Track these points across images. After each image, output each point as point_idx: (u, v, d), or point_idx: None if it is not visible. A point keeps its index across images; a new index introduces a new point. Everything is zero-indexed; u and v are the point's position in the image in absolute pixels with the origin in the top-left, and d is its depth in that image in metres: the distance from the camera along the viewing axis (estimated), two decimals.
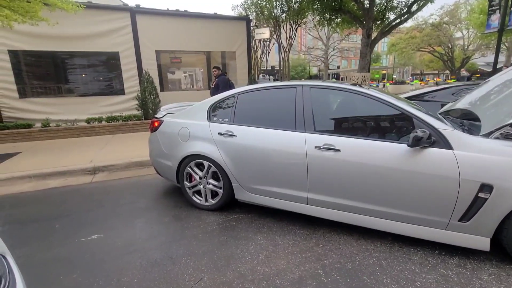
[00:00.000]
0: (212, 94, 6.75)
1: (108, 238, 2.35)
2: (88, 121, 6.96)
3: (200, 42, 8.55)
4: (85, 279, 1.85)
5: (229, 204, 2.77)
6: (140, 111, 7.51)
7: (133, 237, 2.34)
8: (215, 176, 2.72)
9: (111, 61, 7.59)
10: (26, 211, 2.94)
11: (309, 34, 24.72)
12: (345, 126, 2.38)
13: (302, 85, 2.39)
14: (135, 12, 7.47)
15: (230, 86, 7.06)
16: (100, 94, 7.51)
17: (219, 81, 6.79)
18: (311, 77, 33.41)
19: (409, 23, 23.01)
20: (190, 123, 2.79)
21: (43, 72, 7.18)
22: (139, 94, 7.40)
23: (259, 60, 13.59)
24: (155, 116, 3.18)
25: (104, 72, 7.76)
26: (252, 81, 8.71)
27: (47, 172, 3.99)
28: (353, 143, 2.10)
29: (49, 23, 4.99)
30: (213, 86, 6.78)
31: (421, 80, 30.23)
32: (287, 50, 12.86)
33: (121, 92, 7.64)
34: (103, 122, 7.01)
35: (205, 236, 2.32)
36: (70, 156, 4.82)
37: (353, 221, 2.19)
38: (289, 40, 12.66)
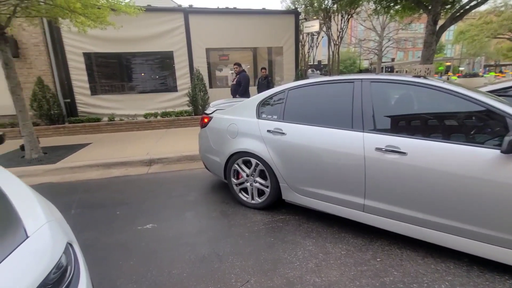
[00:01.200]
0: (233, 91, 6.76)
1: (161, 228, 2.47)
2: (145, 116, 7.57)
3: (247, 38, 8.60)
4: (140, 267, 1.96)
5: (276, 203, 2.68)
6: (191, 107, 7.89)
7: (183, 230, 2.42)
8: (262, 175, 2.66)
9: (166, 60, 8.11)
10: (94, 197, 3.28)
11: (361, 25, 23.04)
12: (412, 125, 2.08)
13: (361, 79, 2.16)
14: (188, 12, 7.82)
15: (268, 84, 6.95)
16: (156, 91, 8.10)
17: (241, 78, 6.72)
18: (361, 71, 31.31)
19: (484, 7, 19.83)
20: (239, 120, 2.77)
21: (110, 72, 8.01)
22: (190, 91, 7.78)
23: (306, 55, 13.14)
24: (205, 112, 3.24)
25: (159, 70, 8.34)
26: (299, 76, 8.45)
27: (112, 162, 4.42)
28: (423, 146, 1.82)
29: (115, 27, 5.49)
30: (234, 83, 6.72)
31: (499, 72, 25.91)
32: (337, 43, 12.17)
33: (174, 89, 8.12)
34: (158, 117, 7.55)
35: (251, 236, 2.28)
36: (130, 148, 5.28)
37: (420, 236, 1.90)
38: (339, 32, 11.95)
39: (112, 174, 4.15)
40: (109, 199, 3.18)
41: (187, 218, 2.64)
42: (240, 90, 6.53)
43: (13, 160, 4.68)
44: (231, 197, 3.02)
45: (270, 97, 2.66)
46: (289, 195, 2.50)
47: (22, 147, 4.85)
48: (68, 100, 7.51)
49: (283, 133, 2.40)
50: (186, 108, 7.97)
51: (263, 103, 2.69)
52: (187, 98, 7.92)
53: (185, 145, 5.27)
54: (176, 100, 8.08)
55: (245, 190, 2.83)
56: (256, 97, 2.79)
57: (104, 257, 2.10)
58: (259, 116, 2.66)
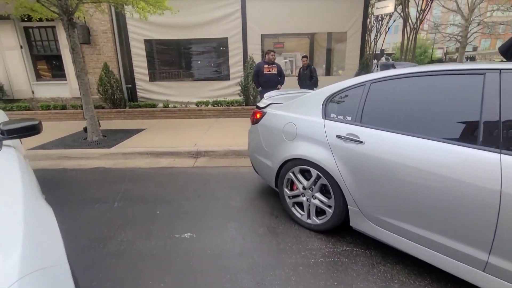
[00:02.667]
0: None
1: (200, 240, 2.13)
2: (197, 104, 7.52)
3: (306, 23, 7.79)
4: None
5: (339, 227, 2.11)
6: (242, 97, 7.58)
7: (224, 247, 2.04)
8: (324, 190, 2.10)
9: (220, 47, 7.88)
10: (138, 189, 3.15)
11: (443, 6, 19.56)
12: None
13: (499, 69, 1.40)
14: None
15: (311, 75, 6.11)
16: (209, 79, 7.98)
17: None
18: (432, 62, 27.05)
19: None
20: (299, 118, 2.23)
21: (167, 59, 8.15)
22: (242, 80, 7.43)
23: (372, 42, 11.62)
24: (257, 105, 2.78)
25: (213, 58, 8.18)
26: (364, 67, 7.36)
27: (160, 151, 4.33)
28: None
29: (172, 11, 5.36)
30: (275, 72, 5.90)
31: None
32: (415, 26, 10.37)
33: (227, 77, 7.89)
34: (209, 106, 7.43)
35: (306, 271, 1.77)
36: (180, 137, 5.18)
37: None
38: (419, 13, 10.13)
39: (159, 163, 4.05)
40: (152, 194, 3.00)
41: (229, 230, 2.26)
42: (281, 81, 5.91)
43: (76, 141, 4.97)
44: (281, 209, 2.54)
45: (343, 91, 2.05)
46: (360, 223, 1.90)
47: (85, 129, 5.13)
48: (130, 86, 7.88)
49: (360, 141, 1.79)
50: (237, 97, 7.69)
51: (332, 98, 2.09)
52: (239, 88, 7.62)
53: (233, 138, 4.95)
54: (227, 89, 7.85)
55: (299, 205, 2.32)
56: (322, 91, 2.20)
57: (134, 269, 1.84)
58: (326, 115, 2.08)
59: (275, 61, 6.20)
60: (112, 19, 7.37)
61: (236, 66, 7.74)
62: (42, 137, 5.35)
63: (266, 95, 2.91)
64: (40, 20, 5.36)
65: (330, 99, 2.10)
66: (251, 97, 7.34)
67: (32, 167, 3.85)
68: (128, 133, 5.53)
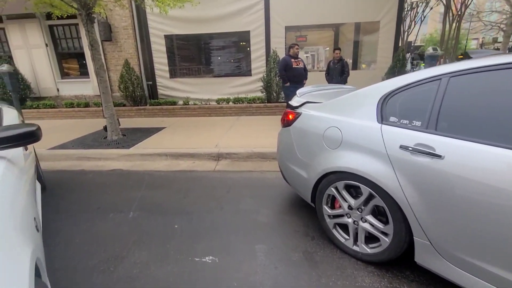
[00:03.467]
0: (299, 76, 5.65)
1: (223, 267, 1.80)
2: (218, 101, 7.23)
3: (334, 13, 7.18)
4: None
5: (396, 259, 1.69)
6: (264, 93, 7.19)
7: (252, 279, 1.69)
8: (378, 213, 1.68)
9: (241, 41, 7.51)
10: (156, 196, 2.88)
11: None
12: None
13: None
14: None
15: (343, 69, 5.55)
16: (229, 75, 7.65)
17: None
18: (465, 54, 24.75)
19: None
20: (345, 122, 1.81)
21: (187, 55, 7.92)
22: (265, 75, 7.03)
23: (405, 33, 10.68)
24: (290, 104, 2.38)
25: (234, 53, 7.83)
26: (399, 60, 6.63)
27: (180, 153, 4.07)
28: None
29: (193, 4, 5.06)
30: (302, 66, 5.56)
31: None
32: (460, 12, 9.33)
33: (248, 73, 7.51)
34: (230, 103, 7.11)
35: None
36: (200, 136, 4.91)
37: None
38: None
39: (179, 166, 3.78)
40: (170, 203, 2.72)
41: (257, 255, 1.90)
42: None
43: (96, 141, 4.85)
44: (318, 229, 2.15)
45: (407, 87, 1.59)
46: (429, 260, 1.47)
47: (105, 128, 5.00)
48: (150, 83, 7.75)
49: (437, 154, 1.35)
50: (259, 94, 7.31)
51: (392, 97, 1.65)
52: (261, 83, 7.23)
53: (256, 139, 4.58)
54: (249, 85, 7.49)
55: (343, 227, 1.92)
56: (377, 88, 1.76)
57: None
58: (383, 119, 1.64)
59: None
60: (132, 15, 7.23)
61: (258, 61, 7.34)
62: (65, 135, 5.31)
63: (298, 91, 2.50)
64: (61, 17, 5.29)
65: (388, 98, 1.65)
66: (274, 94, 6.93)
67: (52, 168, 3.72)
68: (147, 132, 5.34)
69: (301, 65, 5.69)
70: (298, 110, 2.21)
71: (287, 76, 5.63)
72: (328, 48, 10.24)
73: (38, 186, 2.51)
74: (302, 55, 10.38)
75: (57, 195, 2.97)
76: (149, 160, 4.06)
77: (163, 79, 7.67)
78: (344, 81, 5.59)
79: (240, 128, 5.46)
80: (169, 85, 7.70)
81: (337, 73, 5.52)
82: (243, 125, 5.73)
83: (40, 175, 2.89)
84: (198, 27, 7.23)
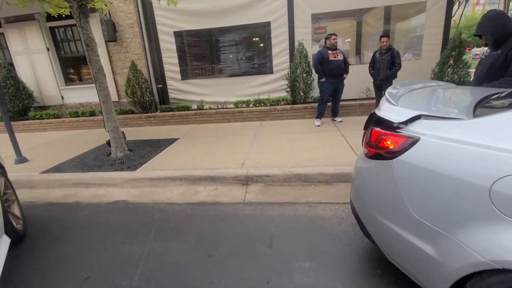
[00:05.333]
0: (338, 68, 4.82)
1: None
2: (236, 104, 6.35)
3: None
4: None
5: None
6: (289, 93, 6.24)
7: None
8: None
9: (260, 34, 6.58)
10: (169, 254, 2.03)
11: None
12: None
13: None
14: None
15: (393, 61, 4.51)
16: (247, 74, 6.73)
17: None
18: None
19: None
20: None
21: (200, 53, 7.08)
22: (289, 72, 6.08)
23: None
24: (383, 117, 1.41)
25: (252, 48, 6.92)
26: (455, 48, 5.37)
27: (198, 176, 3.21)
28: None
29: None
30: (340, 58, 4.85)
31: None
32: None
33: (269, 70, 6.56)
34: (251, 106, 6.22)
35: None
36: (220, 150, 4.03)
37: None
38: None
39: (197, 195, 2.92)
40: (190, 267, 1.86)
41: None
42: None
43: (98, 159, 4.08)
44: None
45: None
46: None
47: (109, 143, 4.23)
48: (160, 86, 6.97)
49: None
50: (283, 94, 6.37)
51: None
52: (285, 82, 6.28)
53: (290, 152, 3.66)
54: (270, 85, 6.54)
55: None
56: None
57: None
58: None
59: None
60: (138, 10, 6.45)
61: (281, 56, 6.38)
62: (65, 151, 4.59)
63: (389, 93, 1.56)
64: (61, 17, 4.56)
65: None
66: (301, 93, 5.96)
67: (42, 199, 2.92)
68: (158, 146, 4.53)
69: (340, 57, 4.76)
70: (410, 132, 1.27)
71: (323, 70, 4.80)
72: (349, 40, 9.16)
73: (4, 242, 1.74)
74: (316, 49, 9.37)
75: (36, 250, 2.17)
76: (160, 186, 3.23)
77: (174, 81, 6.86)
78: (394, 75, 4.56)
79: (267, 138, 4.55)
80: (181, 88, 6.88)
81: (385, 65, 4.49)
82: (270, 133, 4.82)
83: (11, 226, 2.09)
84: (210, 21, 6.35)
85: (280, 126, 5.30)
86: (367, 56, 7.30)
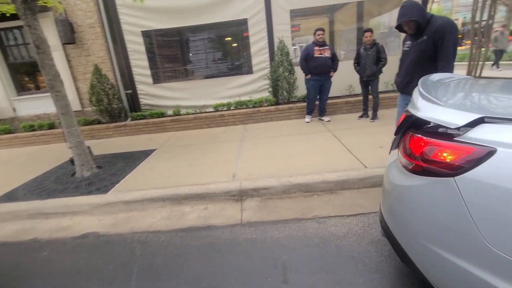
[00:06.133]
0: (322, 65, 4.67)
1: None
2: (216, 107, 5.92)
3: None
4: None
5: None
6: (270, 93, 5.95)
7: None
8: None
9: (237, 32, 6.21)
10: None
11: None
12: None
13: None
14: None
15: (378, 55, 4.42)
16: (225, 75, 6.33)
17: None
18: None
19: None
20: None
21: (172, 54, 6.54)
22: (271, 71, 5.78)
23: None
24: (445, 126, 1.12)
25: (229, 47, 6.55)
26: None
27: (184, 194, 2.78)
28: None
29: None
30: (327, 55, 4.70)
31: None
32: None
33: (249, 70, 6.22)
34: (232, 109, 5.83)
35: None
36: (205, 160, 3.61)
37: None
38: None
39: (185, 219, 2.50)
40: None
41: None
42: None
43: (61, 181, 3.46)
44: None
45: None
46: None
47: (72, 161, 3.62)
48: (130, 91, 6.32)
49: None
50: (265, 94, 6.06)
51: None
52: (266, 82, 5.99)
53: (284, 158, 3.34)
54: (251, 85, 6.20)
55: None
56: None
57: None
58: None
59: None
60: (99, 8, 5.77)
61: (260, 54, 6.06)
62: (17, 174, 3.88)
63: (425, 89, 1.29)
64: (4, 16, 3.86)
65: None
66: (285, 93, 5.69)
67: None
68: (132, 160, 3.99)
69: (326, 54, 4.56)
70: (476, 141, 0.98)
71: (308, 67, 4.60)
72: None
73: None
74: (290, 48, 9.22)
75: None
76: (139, 209, 2.75)
77: (145, 85, 6.26)
78: (379, 71, 4.43)
79: (255, 143, 4.20)
80: (153, 93, 6.29)
81: (371, 61, 4.34)
82: (257, 137, 4.47)
83: None
84: (182, 19, 5.86)
85: (266, 129, 4.97)
86: (340, 54, 7.23)
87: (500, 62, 10.52)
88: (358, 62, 4.60)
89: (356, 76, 4.88)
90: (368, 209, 2.33)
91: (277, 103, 5.81)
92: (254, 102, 5.75)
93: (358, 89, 5.91)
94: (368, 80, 4.55)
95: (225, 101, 6.00)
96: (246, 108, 5.75)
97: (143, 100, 6.30)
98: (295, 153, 3.49)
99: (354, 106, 5.43)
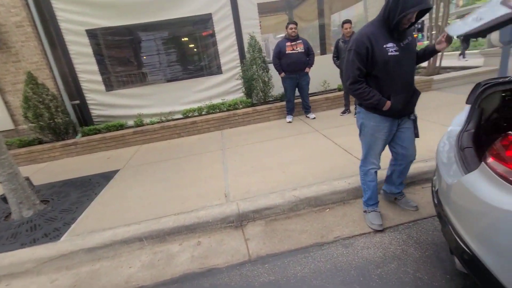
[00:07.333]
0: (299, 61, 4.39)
1: None
2: (185, 113, 5.27)
3: None
4: None
5: None
6: (243, 93, 5.51)
7: None
8: None
9: (201, 30, 5.62)
10: None
11: None
12: None
13: None
14: None
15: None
16: (192, 76, 5.69)
17: (305, 44, 4.30)
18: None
19: None
20: None
21: (126, 55, 5.71)
22: (244, 70, 5.32)
23: None
24: None
25: (193, 46, 5.93)
26: None
27: (168, 228, 2.18)
28: None
29: None
30: (301, 50, 4.40)
31: None
32: None
33: (218, 70, 5.67)
34: (204, 114, 5.23)
35: None
36: (186, 178, 3.02)
37: None
38: None
39: (175, 264, 1.92)
40: None
41: None
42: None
43: None
44: None
45: None
46: None
47: (5, 199, 2.74)
48: (77, 102, 5.33)
49: None
50: (239, 95, 5.59)
51: None
52: (239, 82, 5.52)
53: (279, 167, 2.91)
54: (222, 86, 5.65)
55: None
56: None
57: None
58: None
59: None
60: (27, 3, 4.71)
61: (229, 52, 5.55)
62: None
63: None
64: None
65: None
66: (261, 93, 5.28)
67: None
68: (89, 187, 3.21)
69: (299, 49, 4.27)
70: None
71: (281, 65, 4.28)
72: (284, 35, 9.00)
73: None
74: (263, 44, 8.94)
75: None
76: (109, 257, 2.08)
77: (96, 94, 5.32)
78: None
79: (239, 151, 3.70)
80: (107, 102, 5.38)
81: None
82: (239, 145, 3.97)
83: None
84: (135, 15, 5.08)
85: (247, 133, 4.50)
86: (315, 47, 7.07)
87: (467, 52, 10.95)
88: (337, 56, 4.38)
89: (329, 71, 4.67)
90: (394, 220, 2.02)
91: (253, 105, 5.37)
92: (228, 104, 5.23)
93: (333, 84, 5.79)
94: None
95: (195, 105, 5.38)
96: (220, 112, 5.21)
97: (96, 111, 5.36)
98: (290, 160, 3.09)
99: (334, 102, 5.25)
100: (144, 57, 5.78)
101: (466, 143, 1.46)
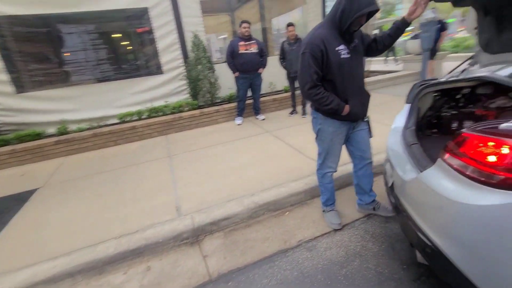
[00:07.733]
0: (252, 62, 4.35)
1: None
2: (121, 118, 4.68)
3: None
4: None
5: None
6: (188, 95, 5.20)
7: None
8: None
9: (137, 25, 5.08)
10: None
11: None
12: None
13: None
14: None
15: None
16: (128, 76, 5.09)
17: (259, 44, 4.42)
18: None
19: None
20: None
21: (42, 50, 4.78)
22: (187, 70, 5.01)
23: None
24: None
25: (128, 42, 5.35)
26: None
27: (108, 257, 1.82)
28: None
29: None
30: (254, 50, 4.36)
31: None
32: None
33: (157, 70, 5.20)
34: (144, 118, 4.73)
35: None
36: (127, 193, 2.62)
37: None
38: None
39: None
40: None
41: None
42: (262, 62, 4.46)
43: None
44: None
45: None
46: None
47: None
48: None
49: None
50: (184, 97, 5.24)
51: None
52: (183, 82, 5.18)
53: (233, 172, 2.77)
54: (163, 88, 5.20)
55: None
56: None
57: None
58: None
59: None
60: None
61: (170, 51, 5.14)
62: None
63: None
64: None
65: None
66: (207, 94, 5.04)
67: None
68: None
69: (253, 49, 4.21)
70: None
71: (235, 65, 4.17)
72: (226, 36, 8.96)
73: None
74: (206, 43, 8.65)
75: None
76: None
77: (1, 96, 4.31)
78: None
79: (188, 157, 3.41)
80: (17, 106, 4.40)
81: (296, 56, 4.26)
82: (188, 150, 3.68)
83: None
84: (52, 3, 4.30)
85: (194, 138, 4.21)
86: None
87: (388, 59, 11.61)
88: (283, 58, 4.46)
89: (274, 73, 4.73)
90: (351, 216, 2.08)
91: (199, 107, 5.09)
92: (173, 107, 4.84)
93: (279, 86, 5.91)
94: (295, 76, 4.48)
95: (133, 109, 4.82)
96: (163, 115, 4.77)
97: (2, 118, 4.34)
98: (243, 164, 2.97)
99: (282, 103, 5.34)
100: (67, 54, 4.94)
101: (411, 140, 1.55)
